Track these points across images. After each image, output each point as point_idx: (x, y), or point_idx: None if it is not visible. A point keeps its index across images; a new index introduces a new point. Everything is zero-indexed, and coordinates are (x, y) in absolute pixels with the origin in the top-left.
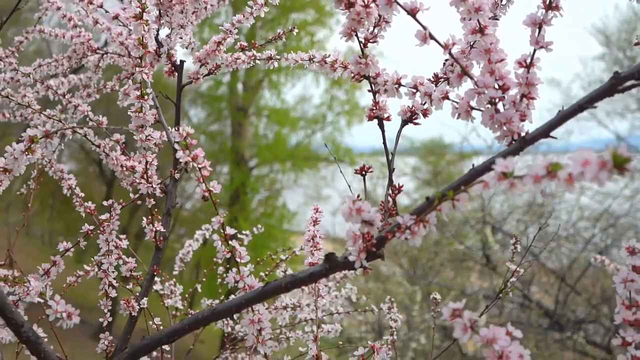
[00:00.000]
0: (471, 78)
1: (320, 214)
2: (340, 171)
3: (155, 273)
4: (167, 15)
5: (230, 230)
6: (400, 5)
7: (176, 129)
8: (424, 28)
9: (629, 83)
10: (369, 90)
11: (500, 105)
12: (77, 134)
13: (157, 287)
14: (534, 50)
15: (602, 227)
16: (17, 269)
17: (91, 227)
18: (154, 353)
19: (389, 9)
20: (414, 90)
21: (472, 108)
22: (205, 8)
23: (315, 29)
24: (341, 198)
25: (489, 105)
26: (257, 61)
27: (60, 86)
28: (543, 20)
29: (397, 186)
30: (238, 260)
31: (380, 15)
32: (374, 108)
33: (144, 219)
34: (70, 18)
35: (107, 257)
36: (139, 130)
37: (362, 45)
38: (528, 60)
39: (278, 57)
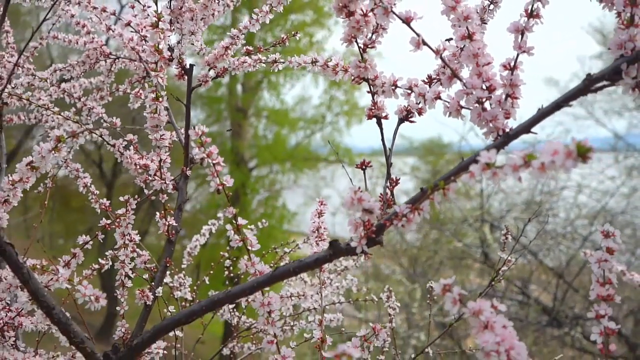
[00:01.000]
0: (460, 80)
1: (325, 206)
2: (343, 167)
3: (167, 265)
4: (178, 23)
5: (242, 221)
6: (396, 15)
7: (192, 128)
8: (418, 35)
9: (601, 84)
10: (368, 92)
11: (487, 104)
12: (93, 134)
13: (166, 280)
14: (517, 55)
15: (599, 225)
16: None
17: (108, 222)
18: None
19: (386, 18)
20: (409, 91)
21: (462, 107)
22: (213, 15)
23: (314, 30)
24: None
25: (477, 105)
26: (263, 64)
27: (74, 89)
28: (525, 27)
29: (394, 179)
30: (249, 248)
31: (377, 23)
32: (373, 108)
33: (157, 214)
34: (83, 25)
35: (123, 250)
36: (153, 130)
37: (361, 50)
38: (512, 64)
39: (282, 60)
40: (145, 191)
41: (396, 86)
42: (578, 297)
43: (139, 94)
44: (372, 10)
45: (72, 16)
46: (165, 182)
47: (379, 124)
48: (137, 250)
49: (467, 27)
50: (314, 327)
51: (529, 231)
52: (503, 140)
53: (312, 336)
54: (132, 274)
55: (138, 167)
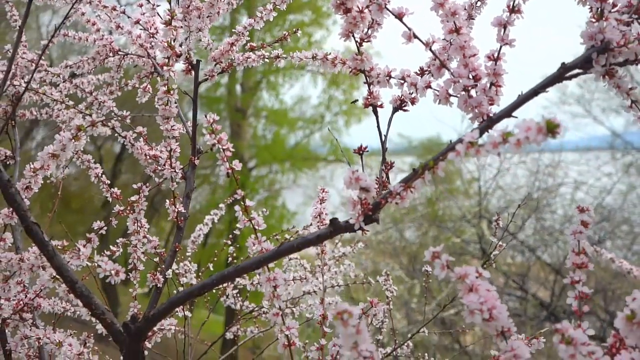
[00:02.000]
0: (448, 70)
1: (326, 193)
2: (348, 162)
3: (177, 249)
4: (186, 20)
5: (249, 203)
6: (390, 11)
7: (204, 116)
8: (409, 29)
9: (574, 72)
10: (365, 82)
11: (473, 92)
12: (105, 127)
13: (173, 267)
14: (500, 47)
15: (596, 221)
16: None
17: (121, 208)
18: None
19: (380, 14)
20: (402, 81)
21: (450, 95)
22: (218, 13)
23: (313, 29)
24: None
25: (464, 92)
26: (266, 60)
27: (86, 84)
28: (507, 21)
29: (389, 162)
30: (256, 227)
31: (373, 19)
32: (369, 97)
33: (167, 201)
34: (93, 23)
35: (135, 235)
36: (164, 121)
37: (358, 44)
38: (495, 55)
39: (284, 56)
40: (156, 179)
41: (390, 77)
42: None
43: (147, 88)
44: (367, 7)
45: (83, 14)
46: (175, 171)
47: (375, 112)
48: (147, 236)
49: (454, 22)
50: (313, 310)
51: (527, 227)
52: (486, 124)
53: (313, 316)
54: (144, 257)
55: (148, 157)
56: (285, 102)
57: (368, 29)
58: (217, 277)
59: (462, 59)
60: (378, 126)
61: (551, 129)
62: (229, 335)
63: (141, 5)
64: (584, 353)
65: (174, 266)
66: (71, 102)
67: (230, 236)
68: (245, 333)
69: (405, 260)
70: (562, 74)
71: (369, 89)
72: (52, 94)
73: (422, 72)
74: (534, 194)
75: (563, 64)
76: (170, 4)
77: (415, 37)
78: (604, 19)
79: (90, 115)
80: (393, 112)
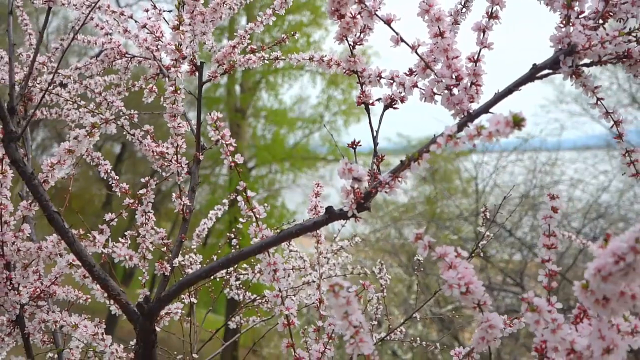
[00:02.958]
0: (432, 70)
1: (321, 187)
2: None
3: (183, 240)
4: (190, 24)
5: (250, 193)
6: (379, 17)
7: (208, 114)
8: (397, 34)
9: (544, 72)
10: (357, 82)
11: (455, 91)
12: (115, 124)
13: (179, 258)
14: (479, 49)
15: (592, 218)
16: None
17: (131, 201)
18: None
19: (371, 20)
20: (392, 81)
21: (435, 93)
22: (221, 17)
23: (311, 30)
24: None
25: (446, 91)
26: (266, 61)
27: (95, 85)
28: (486, 26)
29: (380, 155)
30: (257, 216)
31: (364, 24)
32: (361, 96)
33: (173, 194)
34: (102, 27)
35: (143, 227)
36: (171, 119)
37: (351, 47)
38: (475, 57)
39: (283, 57)
40: (163, 174)
41: (380, 77)
42: (571, 288)
43: (152, 89)
44: (359, 13)
45: (92, 19)
46: (181, 166)
47: (367, 109)
48: (155, 227)
49: (438, 27)
50: (312, 298)
51: (524, 224)
52: (466, 119)
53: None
54: (152, 247)
55: (155, 153)
56: (285, 102)
57: (360, 33)
58: (223, 261)
59: (446, 60)
60: (370, 122)
61: (517, 122)
62: (232, 325)
63: (147, 11)
64: (548, 319)
65: (180, 258)
66: (82, 102)
67: (233, 230)
68: (248, 322)
69: (404, 258)
70: (533, 74)
71: (362, 88)
72: (60, 95)
73: (411, 73)
74: (531, 192)
75: (534, 65)
76: (178, 9)
77: (403, 40)
78: (570, 24)
79: (102, 113)
80: (384, 110)
